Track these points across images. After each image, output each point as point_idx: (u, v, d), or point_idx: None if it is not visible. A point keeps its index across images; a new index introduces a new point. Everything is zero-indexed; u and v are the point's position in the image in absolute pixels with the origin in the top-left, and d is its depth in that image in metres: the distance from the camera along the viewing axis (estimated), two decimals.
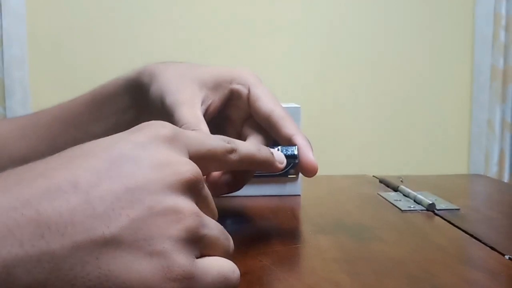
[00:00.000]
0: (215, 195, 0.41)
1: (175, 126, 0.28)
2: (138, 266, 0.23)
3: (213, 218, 0.28)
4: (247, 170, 0.42)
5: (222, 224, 0.46)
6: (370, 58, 1.80)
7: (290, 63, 1.77)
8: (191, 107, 0.41)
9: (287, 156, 0.38)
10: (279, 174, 0.55)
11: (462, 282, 0.30)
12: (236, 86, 0.43)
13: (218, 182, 0.40)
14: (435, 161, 1.81)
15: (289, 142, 0.40)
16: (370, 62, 1.80)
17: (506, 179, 1.78)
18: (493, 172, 1.77)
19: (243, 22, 1.74)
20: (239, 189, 0.42)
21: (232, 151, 0.32)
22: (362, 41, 1.79)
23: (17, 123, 0.56)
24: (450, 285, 0.29)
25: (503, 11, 1.75)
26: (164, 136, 0.27)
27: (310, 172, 0.39)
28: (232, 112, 0.44)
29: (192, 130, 0.37)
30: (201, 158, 0.29)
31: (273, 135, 0.42)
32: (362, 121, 1.81)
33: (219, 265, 0.26)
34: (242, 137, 0.43)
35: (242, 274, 0.31)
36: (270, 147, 0.38)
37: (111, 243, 0.22)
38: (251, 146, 0.34)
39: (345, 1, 1.79)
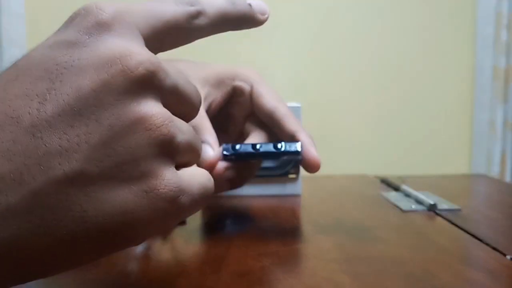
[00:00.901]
0: (218, 192, 0.41)
1: (116, 4, 0.23)
2: (117, 197, 0.20)
3: (192, 110, 0.25)
4: (250, 166, 0.42)
5: (222, 225, 0.46)
6: (370, 58, 1.79)
7: (290, 63, 1.77)
8: None
9: (290, 153, 0.38)
10: (279, 174, 0.55)
11: (463, 283, 0.30)
12: (239, 83, 0.43)
13: (221, 179, 0.40)
14: (436, 161, 1.80)
15: (292, 139, 0.40)
16: (371, 62, 1.80)
17: (507, 179, 1.77)
18: (494, 172, 1.76)
19: None
20: (241, 185, 0.42)
21: (198, 14, 0.26)
22: (362, 41, 1.79)
23: None
24: (451, 286, 0.29)
25: (505, 11, 1.74)
26: (101, 22, 0.21)
27: (313, 168, 0.39)
28: (235, 109, 0.44)
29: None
30: (159, 35, 0.24)
31: (276, 132, 0.42)
32: (363, 121, 1.81)
33: (197, 175, 0.23)
34: (245, 134, 0.43)
35: (243, 275, 0.31)
36: (274, 144, 0.38)
37: (77, 179, 0.19)
38: (222, 1, 0.27)
39: (345, 0, 1.79)
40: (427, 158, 1.81)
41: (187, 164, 0.23)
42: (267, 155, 0.39)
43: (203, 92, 0.42)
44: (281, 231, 0.42)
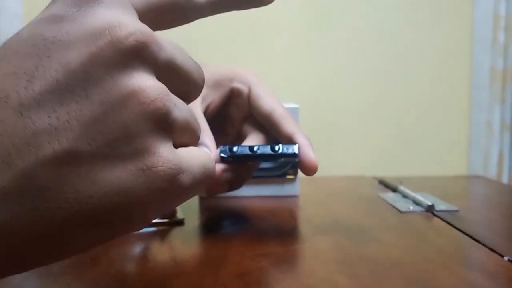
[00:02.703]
0: (216, 194, 0.41)
1: None
2: (112, 177, 0.19)
3: (193, 89, 0.23)
4: (247, 168, 0.42)
5: (220, 225, 0.46)
6: (368, 59, 1.80)
7: (290, 63, 1.77)
8: (191, 105, 0.41)
9: (287, 155, 0.38)
10: (278, 175, 0.55)
11: (461, 284, 0.30)
12: (237, 85, 0.43)
13: (219, 181, 0.39)
14: (434, 162, 1.81)
15: (289, 141, 0.40)
16: (369, 63, 1.80)
17: (505, 180, 1.78)
18: (492, 173, 1.77)
19: (242, 21, 1.74)
20: (240, 187, 0.41)
21: None
22: (360, 42, 1.79)
23: None
24: (449, 287, 0.29)
25: (502, 12, 1.75)
26: None
27: (310, 170, 0.39)
28: (233, 110, 0.44)
29: None
30: (155, 11, 0.23)
31: (273, 134, 0.42)
32: (361, 122, 1.81)
33: (198, 155, 0.22)
34: (242, 136, 0.43)
35: (241, 275, 0.31)
36: (271, 146, 0.38)
37: (68, 159, 0.18)
38: None
39: (344, 1, 1.79)
40: (425, 159, 1.81)
41: (185, 145, 0.22)
42: (264, 157, 0.39)
43: (201, 93, 0.42)
44: (279, 232, 0.42)
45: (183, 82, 0.22)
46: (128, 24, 0.19)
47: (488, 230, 0.43)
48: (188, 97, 0.23)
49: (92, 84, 0.19)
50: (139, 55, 0.19)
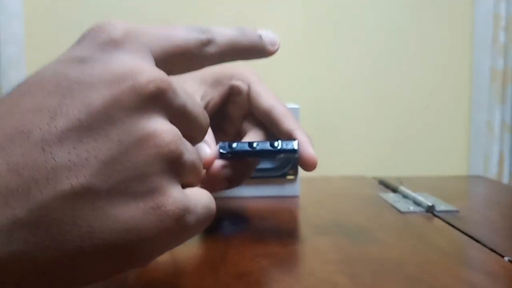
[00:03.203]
0: (215, 190, 0.41)
1: (129, 22, 0.23)
2: (124, 214, 0.20)
3: (199, 133, 0.25)
4: (247, 165, 0.41)
5: (220, 226, 0.46)
6: (369, 59, 1.80)
7: (290, 64, 1.77)
8: None
9: (287, 151, 0.38)
10: (278, 175, 0.55)
11: (461, 284, 0.30)
12: (236, 82, 0.43)
13: (218, 177, 0.39)
14: (434, 162, 1.81)
15: (289, 137, 0.40)
16: (369, 63, 1.80)
17: (505, 180, 1.78)
18: (492, 173, 1.77)
19: (242, 21, 1.74)
20: (239, 184, 0.41)
21: (209, 42, 0.26)
22: (361, 42, 1.79)
23: None
24: (449, 287, 0.29)
25: (503, 12, 1.75)
26: (114, 39, 0.22)
27: (310, 166, 0.39)
28: (232, 108, 0.44)
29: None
30: (169, 58, 0.24)
31: (273, 131, 0.42)
32: (361, 122, 1.81)
33: (201, 196, 0.24)
34: (242, 134, 0.43)
35: (241, 276, 0.31)
36: (270, 142, 0.38)
37: (84, 195, 0.19)
38: (232, 31, 0.28)
39: (344, 1, 1.79)
40: (425, 159, 1.81)
41: (190, 185, 0.23)
42: (263, 153, 0.38)
43: (200, 90, 0.42)
44: (279, 232, 0.42)
45: (191, 126, 0.24)
46: (148, 71, 0.21)
47: (488, 230, 0.43)
48: (194, 140, 0.25)
49: (112, 124, 0.20)
50: (157, 101, 0.21)
